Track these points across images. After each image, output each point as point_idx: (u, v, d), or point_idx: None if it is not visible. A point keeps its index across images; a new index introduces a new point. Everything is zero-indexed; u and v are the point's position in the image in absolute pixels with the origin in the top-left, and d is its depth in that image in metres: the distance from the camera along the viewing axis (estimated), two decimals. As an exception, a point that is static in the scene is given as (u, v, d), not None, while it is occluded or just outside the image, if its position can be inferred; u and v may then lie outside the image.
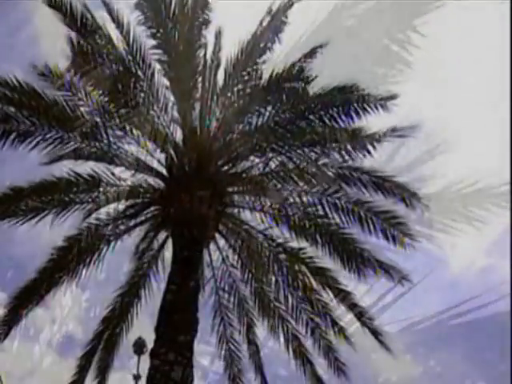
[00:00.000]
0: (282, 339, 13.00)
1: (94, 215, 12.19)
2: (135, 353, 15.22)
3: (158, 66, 11.53)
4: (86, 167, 11.86)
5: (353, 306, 12.28)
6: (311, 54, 11.22)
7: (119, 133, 11.36)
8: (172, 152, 11.48)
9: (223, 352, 13.39)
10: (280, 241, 12.21)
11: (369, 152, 11.17)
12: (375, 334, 12.24)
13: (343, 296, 12.24)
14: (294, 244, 12.48)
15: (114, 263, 13.64)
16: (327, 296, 12.51)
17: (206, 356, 17.22)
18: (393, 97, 11.16)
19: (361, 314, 12.34)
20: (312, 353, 13.23)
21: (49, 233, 12.48)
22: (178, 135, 11.68)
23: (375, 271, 12.08)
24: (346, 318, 12.67)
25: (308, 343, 13.27)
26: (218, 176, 11.62)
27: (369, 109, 11.21)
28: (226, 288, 12.87)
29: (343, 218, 11.69)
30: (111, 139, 11.39)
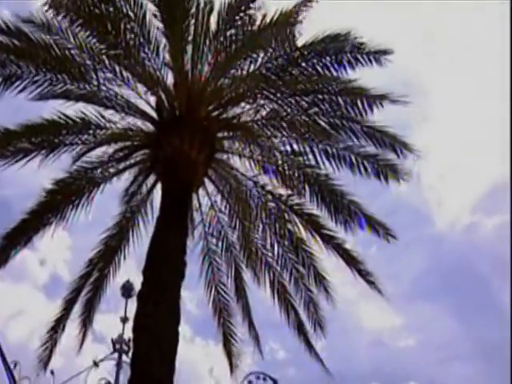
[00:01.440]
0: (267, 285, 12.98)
1: (83, 158, 12.10)
2: (123, 296, 15.22)
3: (150, 7, 11.16)
4: (75, 109, 11.67)
5: (343, 253, 12.16)
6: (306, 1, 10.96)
7: (109, 75, 11.13)
8: (162, 95, 11.45)
9: (211, 297, 13.30)
10: (269, 188, 12.05)
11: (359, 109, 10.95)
12: (367, 278, 12.16)
13: (333, 243, 12.12)
14: (283, 192, 12.33)
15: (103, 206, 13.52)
16: (314, 246, 12.41)
17: (191, 301, 17.32)
18: (387, 51, 10.99)
19: (351, 260, 12.19)
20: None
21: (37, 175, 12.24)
22: (169, 78, 11.62)
23: (361, 225, 11.91)
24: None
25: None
26: (209, 121, 11.56)
27: (362, 60, 10.99)
28: (215, 233, 12.74)
29: (333, 163, 11.58)
30: (101, 81, 11.08)
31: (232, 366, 14.11)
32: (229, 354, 14.10)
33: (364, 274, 12.41)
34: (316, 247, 12.58)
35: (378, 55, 11.18)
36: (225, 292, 13.64)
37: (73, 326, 13.81)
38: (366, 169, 11.89)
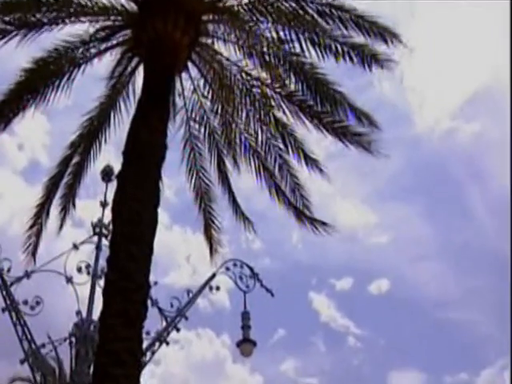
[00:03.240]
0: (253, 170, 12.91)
1: (63, 37, 11.56)
2: (103, 180, 14.89)
3: None
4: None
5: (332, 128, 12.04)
6: None
7: None
8: (147, -27, 10.58)
9: (192, 182, 13.13)
10: (253, 74, 11.57)
11: None
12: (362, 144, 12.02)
13: (323, 122, 11.82)
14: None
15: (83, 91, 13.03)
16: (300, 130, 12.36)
17: (169, 188, 17.12)
18: None
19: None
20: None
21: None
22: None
23: (346, 114, 11.59)
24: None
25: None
26: (193, 2, 11.09)
27: None
28: (197, 119, 12.36)
29: (319, 52, 11.13)
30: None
31: (212, 251, 14.21)
32: (209, 240, 14.17)
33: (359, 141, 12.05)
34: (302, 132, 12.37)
35: None
36: (206, 178, 13.61)
37: (54, 211, 13.65)
38: (350, 57, 11.51)
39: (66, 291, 14.34)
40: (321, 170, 12.64)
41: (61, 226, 13.93)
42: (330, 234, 12.66)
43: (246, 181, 13.43)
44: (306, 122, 12.06)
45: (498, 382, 35.86)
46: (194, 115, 12.75)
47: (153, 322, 13.04)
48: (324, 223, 12.83)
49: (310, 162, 12.62)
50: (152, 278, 10.14)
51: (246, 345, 13.00)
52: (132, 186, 9.42)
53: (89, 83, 13.15)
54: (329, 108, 11.67)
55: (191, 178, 13.47)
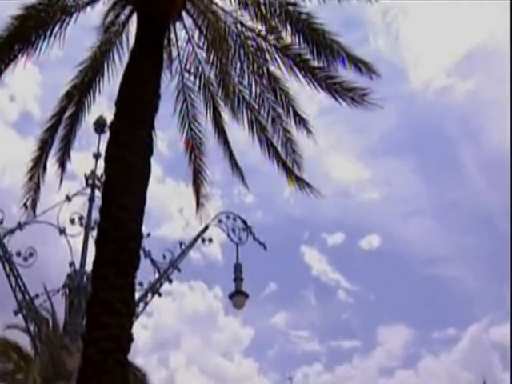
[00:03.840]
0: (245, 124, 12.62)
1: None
2: (96, 131, 14.75)
3: None
4: None
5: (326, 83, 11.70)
6: None
7: None
8: None
9: (184, 134, 12.88)
10: (249, 25, 11.31)
11: None
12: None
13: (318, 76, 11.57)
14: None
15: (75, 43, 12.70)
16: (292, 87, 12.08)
17: (162, 141, 16.95)
18: None
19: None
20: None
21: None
22: None
23: (345, 64, 11.24)
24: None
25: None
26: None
27: None
28: (192, 70, 12.08)
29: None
30: None
31: (199, 205, 14.03)
32: (197, 192, 13.97)
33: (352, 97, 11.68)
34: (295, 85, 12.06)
35: None
36: (198, 130, 13.34)
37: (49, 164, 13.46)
38: None
39: (59, 243, 14.33)
40: (308, 130, 12.38)
41: (61, 181, 13.79)
42: (316, 196, 12.53)
43: (239, 134, 13.24)
44: (300, 76, 11.75)
45: (484, 338, 36.43)
46: (188, 66, 12.46)
47: (146, 274, 13.08)
48: (309, 185, 12.66)
49: (299, 120, 12.37)
50: (145, 230, 10.08)
51: (238, 297, 13.05)
52: (125, 135, 9.30)
53: (81, 35, 12.89)
54: (325, 60, 11.41)
55: (183, 130, 13.21)
